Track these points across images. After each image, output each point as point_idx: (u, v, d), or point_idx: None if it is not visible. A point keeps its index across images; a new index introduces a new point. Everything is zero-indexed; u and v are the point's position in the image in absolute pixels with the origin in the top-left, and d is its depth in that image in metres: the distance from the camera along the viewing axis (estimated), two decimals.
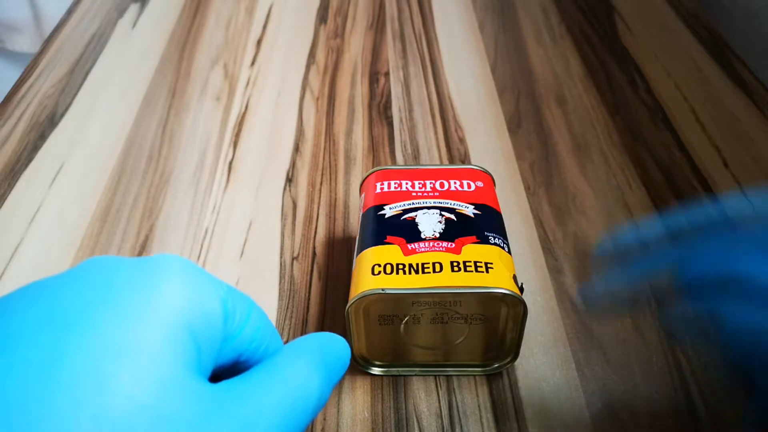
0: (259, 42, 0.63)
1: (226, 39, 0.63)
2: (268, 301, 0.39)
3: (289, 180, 0.48)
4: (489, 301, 0.31)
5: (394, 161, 0.49)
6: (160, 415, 0.15)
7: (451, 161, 0.49)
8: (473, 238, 0.33)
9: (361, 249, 0.33)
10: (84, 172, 0.49)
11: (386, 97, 0.56)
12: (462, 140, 0.51)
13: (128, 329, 0.16)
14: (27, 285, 0.18)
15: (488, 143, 0.51)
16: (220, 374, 0.20)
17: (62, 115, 0.54)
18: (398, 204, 0.35)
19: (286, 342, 0.36)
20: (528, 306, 0.31)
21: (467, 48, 0.62)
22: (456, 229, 0.33)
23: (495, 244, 0.33)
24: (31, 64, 0.60)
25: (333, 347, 0.21)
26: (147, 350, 0.16)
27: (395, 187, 0.36)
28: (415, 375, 0.35)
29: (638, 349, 0.36)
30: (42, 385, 0.15)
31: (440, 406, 0.33)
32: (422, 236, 0.33)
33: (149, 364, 0.16)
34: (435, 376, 0.35)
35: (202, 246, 0.42)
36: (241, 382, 0.18)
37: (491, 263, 0.31)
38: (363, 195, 0.38)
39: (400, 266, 0.31)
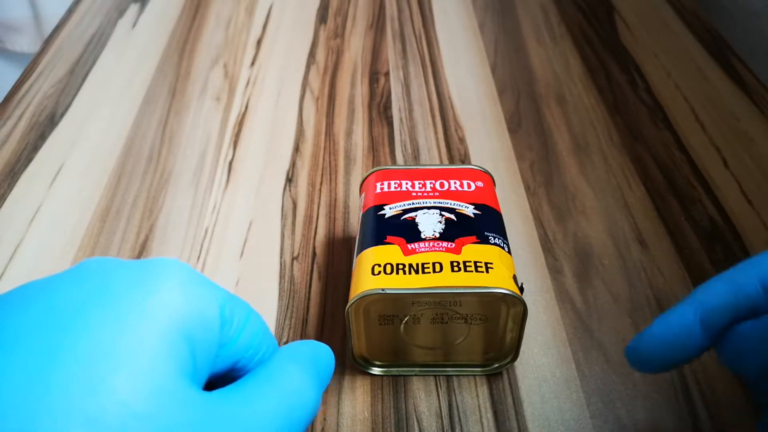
0: (259, 42, 0.63)
1: (226, 39, 0.63)
2: (268, 301, 0.39)
3: (289, 180, 0.48)
4: (489, 301, 0.31)
5: (394, 161, 0.49)
6: (152, 423, 0.15)
7: (451, 161, 0.49)
8: (473, 238, 0.33)
9: (361, 249, 0.33)
10: (84, 172, 0.49)
11: (386, 97, 0.56)
12: (462, 140, 0.51)
13: (124, 333, 0.16)
14: (23, 285, 0.18)
15: (488, 143, 0.51)
16: (216, 381, 0.20)
17: (62, 115, 0.54)
18: (398, 204, 0.35)
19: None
20: (528, 306, 0.31)
21: (467, 48, 0.62)
22: (456, 229, 0.33)
23: (495, 244, 0.33)
24: (31, 64, 0.60)
25: (322, 355, 0.22)
26: (142, 355, 0.16)
27: (395, 187, 0.36)
28: (415, 375, 0.35)
29: None
30: (35, 388, 0.15)
31: (440, 406, 0.33)
32: (422, 236, 0.33)
33: (144, 369, 0.16)
34: (435, 376, 0.35)
35: (202, 246, 0.42)
36: (236, 390, 0.18)
37: (491, 263, 0.31)
38: (363, 195, 0.38)
39: (400, 266, 0.31)
